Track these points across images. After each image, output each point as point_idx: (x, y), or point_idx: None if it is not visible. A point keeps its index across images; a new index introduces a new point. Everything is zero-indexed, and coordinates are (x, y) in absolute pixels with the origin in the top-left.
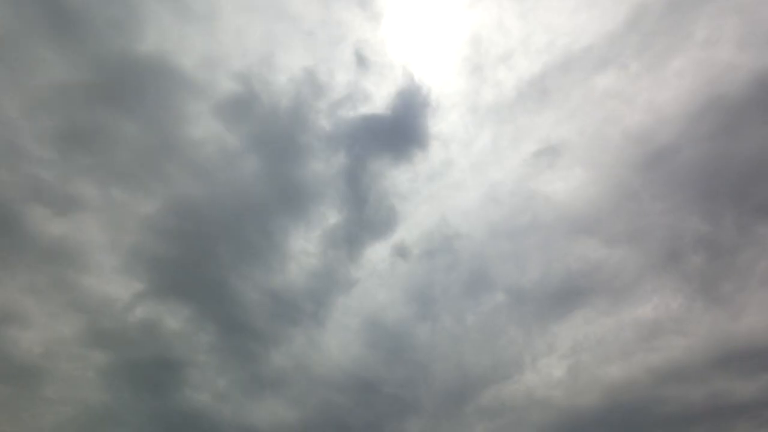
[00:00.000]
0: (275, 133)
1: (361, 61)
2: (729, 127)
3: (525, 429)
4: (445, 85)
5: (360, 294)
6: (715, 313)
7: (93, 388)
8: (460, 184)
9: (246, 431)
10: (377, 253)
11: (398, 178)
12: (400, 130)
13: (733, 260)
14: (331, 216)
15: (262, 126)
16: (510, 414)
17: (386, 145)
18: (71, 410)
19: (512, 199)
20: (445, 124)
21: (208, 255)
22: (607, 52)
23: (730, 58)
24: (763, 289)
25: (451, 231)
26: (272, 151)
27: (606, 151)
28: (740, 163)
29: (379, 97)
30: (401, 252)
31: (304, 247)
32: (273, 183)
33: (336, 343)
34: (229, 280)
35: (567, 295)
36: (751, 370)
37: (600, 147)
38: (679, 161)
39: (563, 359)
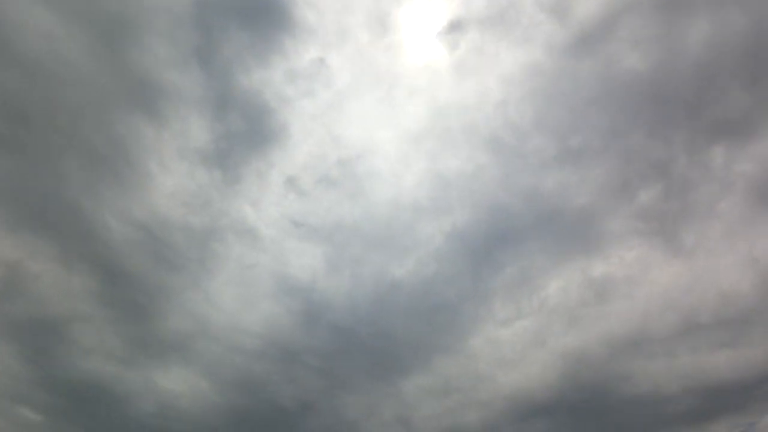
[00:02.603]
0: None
1: None
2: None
3: (474, 410)
4: None
5: (251, 235)
6: (676, 268)
7: None
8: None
9: (160, 405)
10: (262, 180)
11: (270, 76)
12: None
13: (691, 199)
14: (192, 123)
15: None
16: (457, 394)
17: (246, 24)
18: None
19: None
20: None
21: (50, 169)
22: None
23: None
24: (729, 238)
25: (350, 152)
26: (102, 30)
27: None
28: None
29: None
30: (292, 182)
31: (164, 161)
32: (110, 71)
33: (236, 299)
34: (84, 205)
35: (502, 239)
36: (721, 342)
37: None
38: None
39: (510, 325)
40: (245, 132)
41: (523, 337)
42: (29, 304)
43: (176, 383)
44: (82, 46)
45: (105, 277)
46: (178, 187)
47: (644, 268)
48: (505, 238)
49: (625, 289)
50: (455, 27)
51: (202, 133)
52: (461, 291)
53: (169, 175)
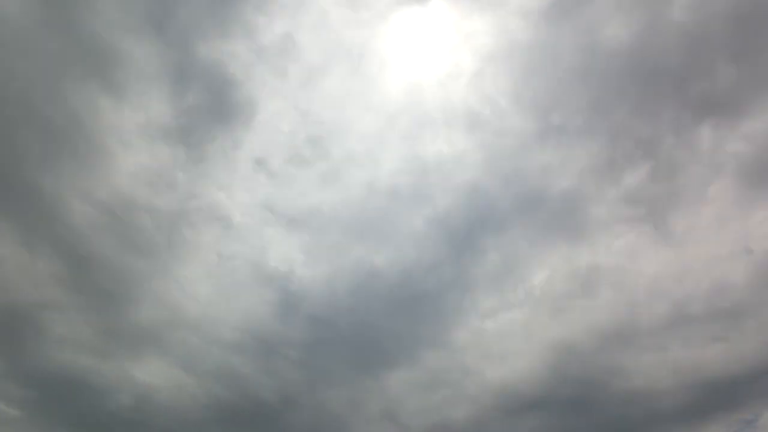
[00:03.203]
0: None
1: None
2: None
3: (462, 406)
4: None
5: (223, 221)
6: (665, 256)
7: None
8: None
9: (138, 398)
10: (229, 160)
11: (233, 47)
12: None
13: (679, 182)
14: (152, 96)
15: None
16: (443, 389)
17: None
18: None
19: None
20: None
21: (4, 144)
22: None
23: None
24: (720, 224)
25: (321, 130)
26: None
27: None
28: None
29: None
30: (261, 163)
31: (124, 137)
32: (59, 36)
33: (210, 288)
34: (44, 184)
35: (483, 225)
36: (714, 335)
37: None
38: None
39: (495, 317)
40: (208, 106)
41: (508, 329)
42: None
43: (154, 376)
44: (28, 7)
45: (71, 261)
46: (140, 166)
47: (632, 256)
48: (486, 223)
49: (612, 278)
50: None
51: (162, 106)
52: (443, 280)
53: (130, 152)
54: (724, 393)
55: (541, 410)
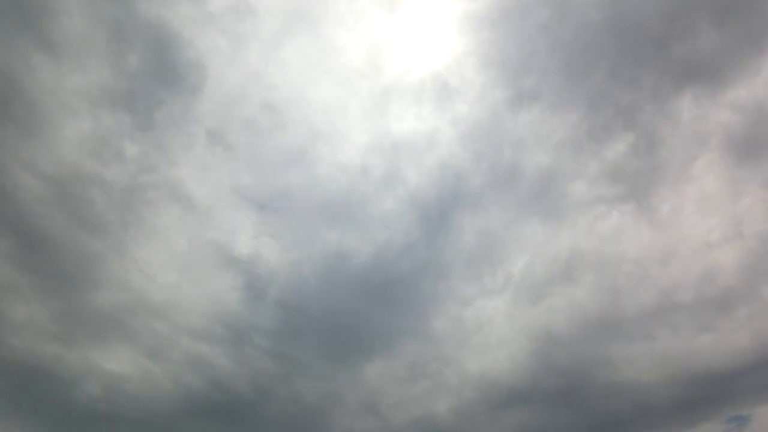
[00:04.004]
0: None
1: None
2: None
3: (444, 398)
4: None
5: (179, 197)
6: (649, 237)
7: None
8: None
9: (106, 388)
10: (180, 128)
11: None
12: None
13: (662, 157)
14: (91, 56)
15: None
16: (424, 381)
17: None
18: None
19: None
20: None
21: None
22: None
23: None
24: (707, 203)
25: (277, 97)
26: None
27: None
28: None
29: None
30: (215, 135)
31: (64, 102)
32: None
33: (173, 270)
34: None
35: (457, 203)
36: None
37: None
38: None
39: (473, 304)
40: (153, 69)
41: (488, 317)
42: None
43: (121, 364)
44: None
45: (21, 239)
46: (84, 134)
47: (615, 238)
48: (460, 201)
49: (595, 263)
50: None
51: (103, 69)
52: (417, 263)
53: (73, 118)
54: (714, 387)
55: (526, 403)
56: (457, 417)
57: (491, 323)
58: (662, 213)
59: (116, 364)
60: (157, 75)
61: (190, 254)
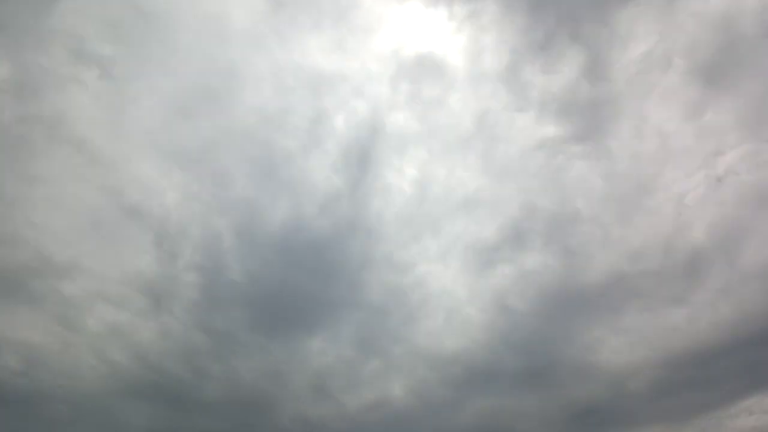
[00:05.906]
0: None
1: None
2: None
3: (400, 379)
4: None
5: (71, 143)
6: (607, 187)
7: None
8: None
9: (25, 360)
10: (39, 37)
11: None
12: None
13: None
14: None
15: None
16: (374, 359)
17: None
18: None
19: None
20: None
21: None
22: None
23: None
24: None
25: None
26: None
27: None
28: None
29: None
30: (87, 52)
31: None
32: None
33: (69, 223)
34: None
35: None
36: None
37: None
38: None
39: (411, 272)
40: None
41: (431, 286)
42: None
43: (33, 333)
44: None
45: None
46: None
47: (567, 189)
48: (385, 141)
49: (546, 222)
50: None
51: None
52: (342, 219)
53: None
54: (693, 370)
55: (490, 384)
56: (416, 399)
57: (439, 295)
58: (620, 154)
59: (28, 332)
60: None
61: (89, 208)
